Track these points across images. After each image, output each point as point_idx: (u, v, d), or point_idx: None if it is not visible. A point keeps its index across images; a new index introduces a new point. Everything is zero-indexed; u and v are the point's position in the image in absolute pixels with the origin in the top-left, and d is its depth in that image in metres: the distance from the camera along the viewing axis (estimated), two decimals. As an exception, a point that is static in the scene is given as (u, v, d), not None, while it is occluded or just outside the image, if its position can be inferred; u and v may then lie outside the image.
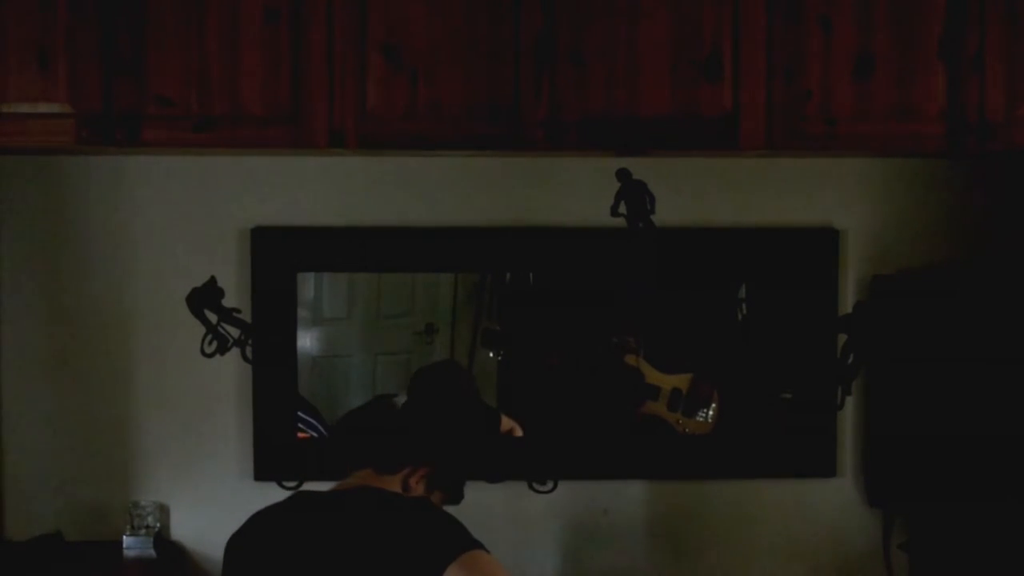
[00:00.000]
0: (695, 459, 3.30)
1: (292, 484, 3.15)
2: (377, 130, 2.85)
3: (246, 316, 3.08)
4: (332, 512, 2.44)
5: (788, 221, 3.27)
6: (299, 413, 3.25)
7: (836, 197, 3.28)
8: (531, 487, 3.21)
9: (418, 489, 2.57)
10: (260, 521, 2.50)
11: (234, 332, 2.99)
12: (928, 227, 3.29)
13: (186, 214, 3.23)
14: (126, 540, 3.19)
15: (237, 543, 2.49)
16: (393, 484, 2.54)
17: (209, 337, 2.94)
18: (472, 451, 3.17)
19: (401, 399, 3.23)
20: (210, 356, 2.95)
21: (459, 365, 3.34)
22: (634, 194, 2.73)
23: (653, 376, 3.32)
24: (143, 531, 3.20)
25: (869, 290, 3.26)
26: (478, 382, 3.34)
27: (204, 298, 2.93)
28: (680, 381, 3.32)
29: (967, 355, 3.10)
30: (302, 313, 3.25)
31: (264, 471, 3.22)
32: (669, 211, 2.96)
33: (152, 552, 3.17)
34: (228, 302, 2.97)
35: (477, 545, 2.33)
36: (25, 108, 2.83)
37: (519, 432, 3.29)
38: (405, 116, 2.85)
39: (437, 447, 2.64)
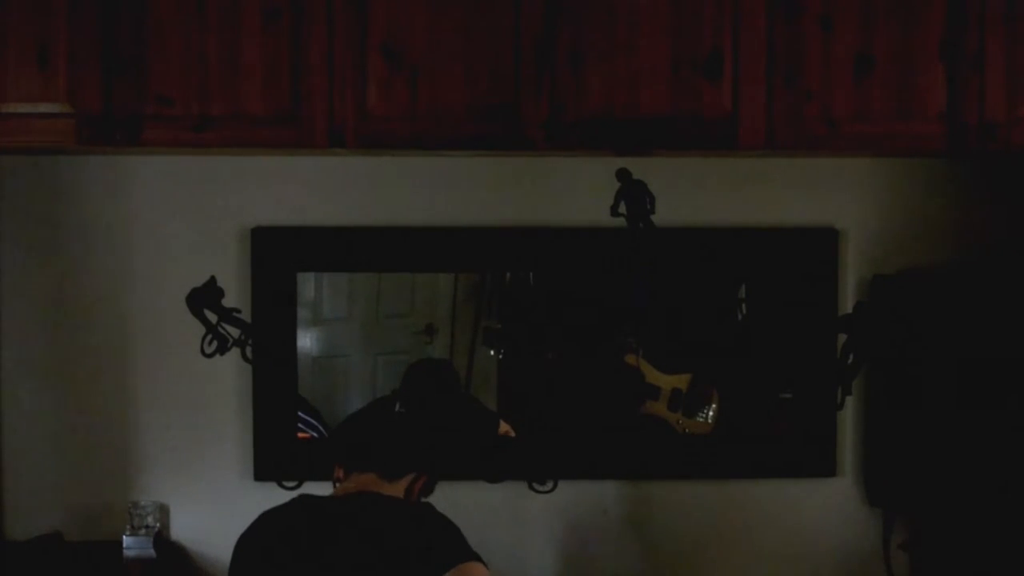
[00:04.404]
0: (695, 459, 3.30)
1: (292, 484, 3.15)
2: (377, 130, 2.85)
3: (246, 316, 3.08)
4: (337, 516, 2.45)
5: (788, 221, 3.27)
6: (299, 413, 3.25)
7: (836, 197, 3.28)
8: (531, 487, 3.22)
9: (418, 493, 2.59)
10: (267, 523, 2.51)
11: (234, 332, 3.00)
12: (928, 227, 3.29)
13: (186, 214, 3.23)
14: (126, 540, 3.19)
15: (245, 544, 2.50)
16: (396, 489, 2.55)
17: (209, 337, 2.95)
18: (472, 454, 3.19)
19: (399, 401, 3.24)
20: (210, 356, 2.95)
21: (449, 363, 3.34)
22: (634, 194, 2.73)
23: (653, 376, 3.32)
24: (143, 531, 3.20)
25: (869, 290, 3.26)
26: (478, 382, 3.34)
27: (204, 298, 2.93)
28: (680, 381, 3.32)
29: (967, 355, 3.09)
30: (302, 313, 3.25)
31: (264, 471, 3.22)
32: (669, 211, 2.96)
33: (152, 552, 3.17)
34: (228, 302, 2.98)
35: (473, 556, 2.37)
36: (25, 108, 2.83)
37: (513, 435, 3.30)
38: (405, 116, 2.85)
39: (441, 454, 2.66)
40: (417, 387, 3.28)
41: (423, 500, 2.66)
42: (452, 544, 2.38)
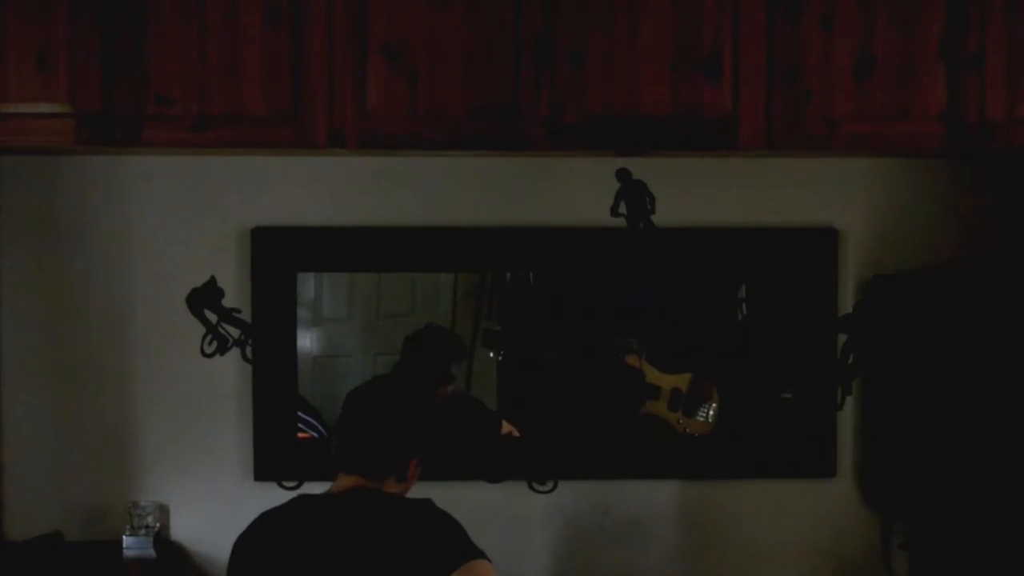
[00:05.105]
0: (695, 459, 3.30)
1: (292, 484, 3.15)
2: (377, 130, 2.86)
3: (246, 316, 3.08)
4: (338, 516, 2.43)
5: (788, 221, 3.27)
6: (299, 413, 3.25)
7: (836, 197, 3.28)
8: (531, 487, 3.22)
9: (415, 475, 2.57)
10: (266, 523, 2.50)
11: (234, 332, 3.00)
12: (928, 227, 3.29)
13: (186, 214, 3.23)
14: (126, 540, 3.19)
15: (244, 545, 2.49)
16: (390, 482, 2.53)
17: (209, 337, 2.95)
18: (462, 434, 3.18)
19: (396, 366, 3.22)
20: (210, 356, 2.95)
21: (450, 332, 3.33)
22: (634, 194, 2.74)
23: (653, 376, 3.32)
24: (143, 531, 3.20)
25: (869, 290, 3.26)
26: (478, 382, 3.34)
27: (204, 298, 2.93)
28: (680, 381, 3.32)
29: (966, 355, 3.09)
30: (302, 313, 3.25)
31: (264, 471, 3.22)
32: (669, 211, 2.96)
33: (152, 552, 3.17)
34: (228, 302, 2.98)
35: (480, 554, 2.35)
36: (25, 108, 2.83)
37: (517, 435, 3.30)
38: (405, 116, 2.85)
39: (429, 440, 2.63)
40: (414, 353, 3.27)
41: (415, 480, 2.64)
42: (458, 542, 2.37)
